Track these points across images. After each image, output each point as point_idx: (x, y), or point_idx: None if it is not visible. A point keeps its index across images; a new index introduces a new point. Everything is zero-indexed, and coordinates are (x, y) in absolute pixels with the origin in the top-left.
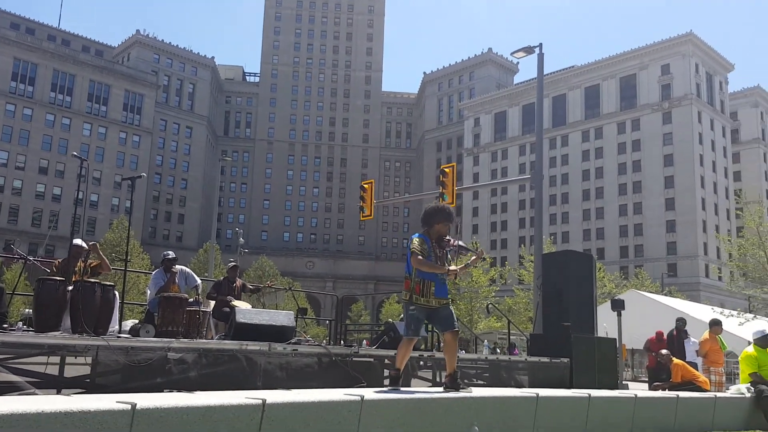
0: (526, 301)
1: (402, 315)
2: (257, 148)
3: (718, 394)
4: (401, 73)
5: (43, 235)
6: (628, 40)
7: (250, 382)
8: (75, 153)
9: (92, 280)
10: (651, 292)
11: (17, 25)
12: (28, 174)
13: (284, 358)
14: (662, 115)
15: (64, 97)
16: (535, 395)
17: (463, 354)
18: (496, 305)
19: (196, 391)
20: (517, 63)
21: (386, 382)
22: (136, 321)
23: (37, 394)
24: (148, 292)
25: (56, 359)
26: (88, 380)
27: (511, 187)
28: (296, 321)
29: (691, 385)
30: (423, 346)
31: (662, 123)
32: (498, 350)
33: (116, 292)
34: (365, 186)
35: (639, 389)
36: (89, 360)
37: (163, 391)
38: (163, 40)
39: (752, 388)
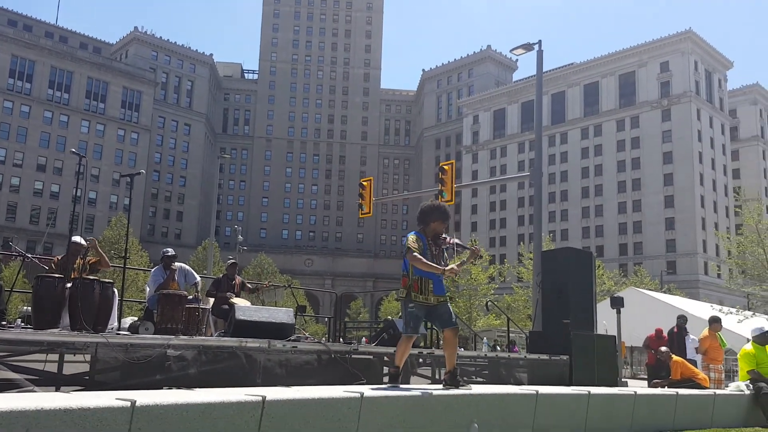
0: (525, 298)
1: (401, 312)
2: (256, 145)
3: (718, 391)
4: (400, 71)
5: (41, 233)
6: (628, 37)
7: (249, 379)
8: (73, 150)
9: (91, 277)
10: (650, 290)
11: (15, 21)
12: (26, 171)
13: (284, 355)
14: (661, 112)
15: (62, 94)
16: (534, 392)
17: (462, 351)
18: (495, 303)
19: (195, 388)
20: (516, 60)
21: (386, 379)
22: (136, 318)
23: (35, 392)
24: (148, 289)
25: (55, 356)
26: (87, 377)
27: (510, 184)
28: (295, 318)
29: (691, 382)
30: (422, 344)
31: (661, 120)
32: (498, 348)
33: (115, 290)
34: (364, 183)
35: (638, 386)
36: (88, 357)
37: (162, 389)
38: (161, 37)
39: (751, 386)
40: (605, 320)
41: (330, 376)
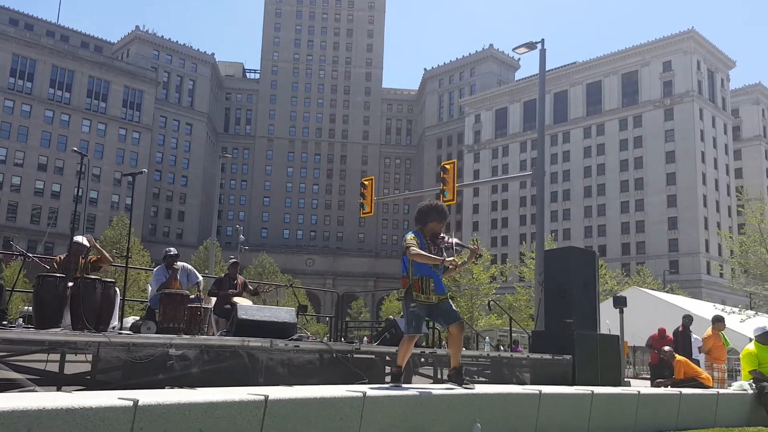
0: (527, 298)
1: (402, 312)
2: (257, 145)
3: (721, 391)
4: (401, 70)
5: (42, 232)
6: (630, 36)
7: (251, 378)
8: (75, 149)
9: (93, 277)
10: (653, 289)
11: (16, 20)
12: (27, 171)
13: (286, 354)
14: (664, 111)
15: (63, 94)
16: (537, 392)
17: (464, 351)
18: (497, 302)
19: (197, 387)
20: (518, 59)
21: (388, 379)
22: (137, 318)
23: (37, 391)
24: (150, 288)
25: (56, 356)
26: (89, 377)
27: (511, 183)
28: (297, 318)
29: (694, 381)
30: (424, 343)
31: (664, 120)
32: (501, 347)
33: (117, 289)
34: (365, 183)
35: (641, 386)
36: (90, 357)
37: (164, 388)
38: (162, 37)
39: (754, 385)
40: (608, 320)
41: (332, 375)
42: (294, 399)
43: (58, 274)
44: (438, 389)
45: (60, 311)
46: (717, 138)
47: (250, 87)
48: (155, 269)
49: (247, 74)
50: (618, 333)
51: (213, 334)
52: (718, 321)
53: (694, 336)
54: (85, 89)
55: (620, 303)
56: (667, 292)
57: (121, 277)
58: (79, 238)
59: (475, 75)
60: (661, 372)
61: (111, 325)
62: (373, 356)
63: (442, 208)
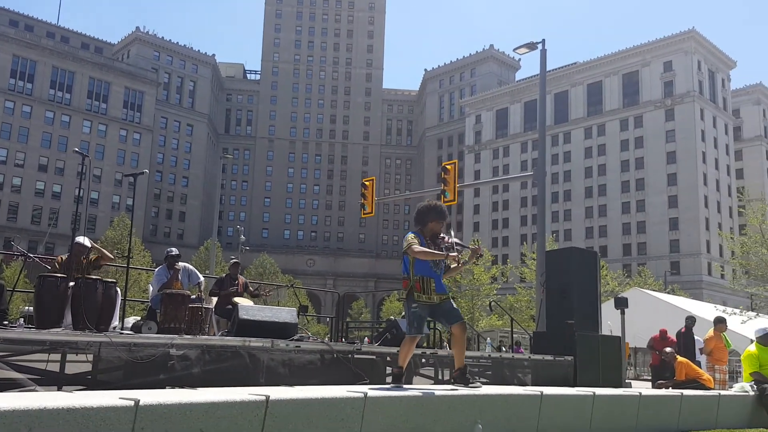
0: (527, 299)
1: (404, 312)
2: (258, 145)
3: (722, 392)
4: (402, 71)
5: (43, 233)
6: (631, 36)
7: (252, 378)
8: (76, 149)
9: (94, 277)
10: (654, 290)
11: (16, 22)
12: (28, 171)
13: (287, 354)
14: (665, 112)
15: (64, 95)
16: (539, 393)
17: (465, 352)
18: (498, 303)
19: (198, 387)
20: (519, 60)
21: (389, 379)
22: (138, 318)
23: (38, 391)
24: (151, 288)
25: (57, 356)
26: (90, 377)
27: (512, 184)
28: (298, 318)
29: (695, 383)
30: (425, 344)
31: (665, 120)
32: (503, 348)
33: (118, 289)
34: (366, 183)
35: (642, 387)
36: (90, 357)
37: (165, 388)
38: (163, 38)
39: (755, 386)
40: (610, 321)
41: (333, 376)
42: (295, 399)
43: (60, 274)
44: (439, 390)
45: (61, 311)
46: (718, 138)
47: (250, 88)
48: (157, 269)
49: (248, 75)
50: (619, 334)
51: (214, 335)
52: (719, 322)
53: (695, 337)
54: (86, 90)
55: (621, 304)
56: (668, 293)
57: (123, 277)
58: (80, 239)
59: (475, 75)
60: (662, 373)
61: (112, 325)
62: (374, 357)
63: (442, 208)
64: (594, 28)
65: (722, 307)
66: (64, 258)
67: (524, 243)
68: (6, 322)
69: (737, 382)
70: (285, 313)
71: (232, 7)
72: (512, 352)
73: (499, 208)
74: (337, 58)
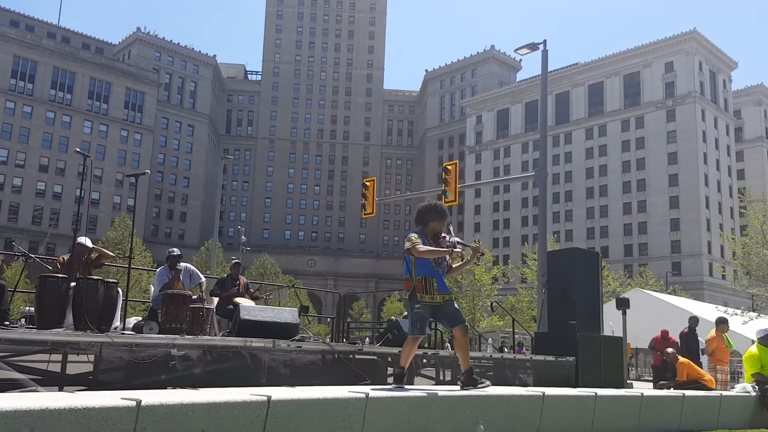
0: (528, 299)
1: (404, 312)
2: (259, 146)
3: (724, 393)
4: (403, 71)
5: (44, 233)
6: (632, 37)
7: (254, 379)
8: (78, 149)
9: (95, 277)
10: (655, 291)
11: (17, 22)
12: (29, 172)
13: (288, 355)
14: (666, 112)
15: (65, 95)
16: (541, 394)
17: None
18: (500, 304)
19: (200, 388)
20: (520, 60)
21: (390, 380)
22: (140, 318)
23: (39, 392)
24: (152, 288)
25: (58, 356)
26: (91, 377)
27: (513, 185)
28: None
29: (697, 383)
30: (426, 344)
31: (666, 121)
32: (505, 349)
33: (119, 290)
34: (367, 184)
35: (644, 388)
36: (92, 357)
37: (166, 388)
38: (164, 38)
39: (757, 387)
40: (612, 321)
41: (334, 376)
42: (297, 400)
43: (61, 275)
44: (441, 390)
45: (62, 311)
46: (719, 139)
47: (251, 89)
48: (158, 270)
49: (249, 76)
50: (621, 335)
51: (215, 335)
52: (721, 323)
53: (699, 338)
54: (87, 91)
55: (623, 305)
56: (670, 293)
57: (124, 277)
58: (81, 239)
59: (476, 76)
60: (663, 374)
61: (113, 326)
62: (376, 357)
63: (442, 207)
64: (595, 29)
65: (723, 308)
66: (65, 258)
67: (525, 243)
68: (7, 323)
69: (738, 382)
70: (286, 314)
71: (233, 8)
72: (514, 353)
73: (500, 208)
74: (338, 58)
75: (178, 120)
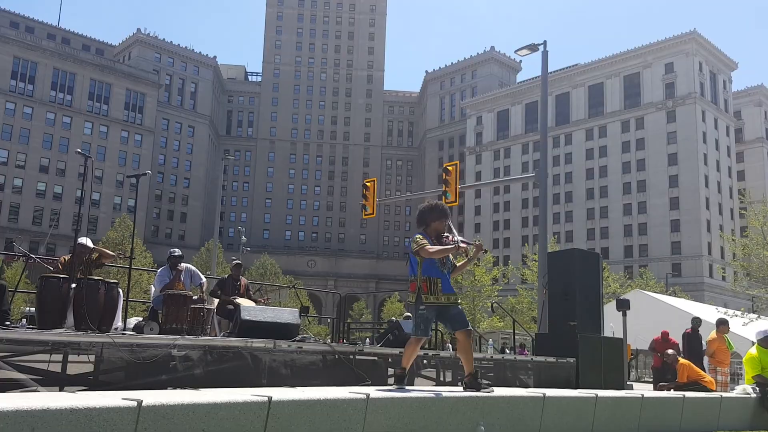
0: (529, 300)
1: (404, 313)
2: (259, 147)
3: (724, 394)
4: (403, 72)
5: (44, 234)
6: (632, 38)
7: (254, 379)
8: (79, 150)
9: (96, 278)
10: (655, 292)
11: (17, 23)
12: (29, 172)
13: (289, 355)
14: (666, 113)
15: (65, 96)
16: (541, 395)
17: None
18: (500, 304)
19: (200, 388)
20: (520, 61)
21: (390, 380)
22: (140, 319)
23: (40, 391)
24: (153, 289)
25: (59, 357)
26: (92, 377)
27: (513, 185)
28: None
29: (697, 385)
30: (427, 345)
31: (666, 122)
32: (507, 350)
33: (120, 290)
34: (368, 184)
35: (644, 389)
36: (93, 357)
37: (167, 389)
38: (164, 39)
39: (758, 388)
40: (612, 322)
41: (334, 376)
42: (297, 400)
43: (62, 275)
44: (442, 392)
45: (63, 312)
46: (719, 140)
47: (252, 89)
48: (159, 270)
49: (249, 77)
50: (621, 336)
51: (216, 335)
52: (722, 324)
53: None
54: (87, 92)
55: (623, 306)
56: (670, 295)
57: (124, 278)
58: (82, 240)
59: (476, 77)
60: (663, 375)
61: (114, 326)
62: (376, 358)
63: (443, 207)
64: (595, 30)
65: (723, 309)
66: (66, 259)
67: (525, 244)
68: (8, 323)
69: (739, 384)
70: (287, 314)
71: (234, 9)
72: (515, 354)
73: (501, 209)
74: (338, 59)
75: (179, 121)
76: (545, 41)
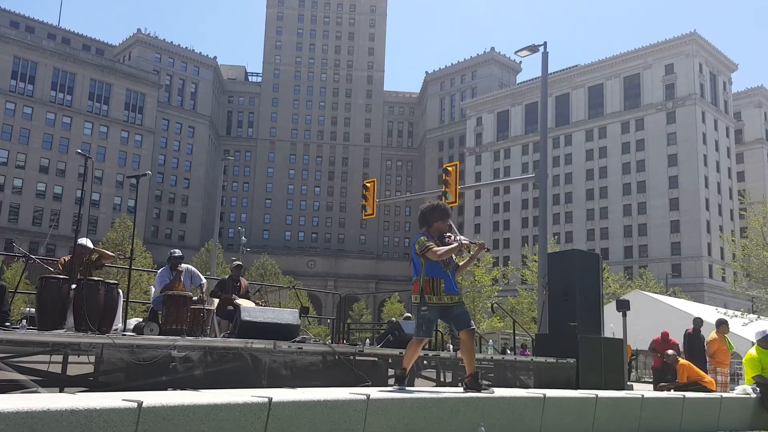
0: (529, 301)
1: (404, 313)
2: (259, 147)
3: (724, 395)
4: (403, 73)
5: (44, 234)
6: (632, 39)
7: (254, 380)
8: (79, 150)
9: (96, 278)
10: (655, 293)
11: (17, 23)
12: (29, 173)
13: (289, 356)
14: (666, 114)
15: (65, 96)
16: (542, 396)
17: None
18: (500, 305)
19: (200, 389)
20: (520, 62)
21: (391, 381)
22: (140, 319)
23: (40, 393)
24: (153, 289)
25: (59, 358)
26: (92, 378)
27: (513, 186)
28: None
29: (697, 385)
30: (427, 346)
31: (666, 123)
32: (508, 351)
33: (120, 291)
34: (368, 185)
35: (644, 390)
36: (92, 358)
37: (167, 390)
38: (164, 40)
39: (758, 389)
40: (612, 323)
41: (335, 377)
42: (298, 401)
43: (62, 276)
44: (442, 392)
45: (63, 313)
46: (719, 141)
47: (252, 90)
48: (159, 271)
49: (250, 77)
50: (621, 336)
51: (216, 336)
52: (722, 324)
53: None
54: (87, 92)
55: (623, 306)
56: (670, 295)
57: (124, 278)
58: (82, 241)
59: (476, 78)
60: (663, 376)
61: (114, 327)
62: (376, 359)
63: (444, 207)
64: (595, 31)
65: (723, 310)
66: (66, 259)
67: (525, 245)
68: (8, 324)
69: (739, 384)
70: (287, 315)
71: (234, 10)
72: (515, 354)
73: (500, 210)
74: (338, 60)
75: (179, 121)
76: (545, 42)
